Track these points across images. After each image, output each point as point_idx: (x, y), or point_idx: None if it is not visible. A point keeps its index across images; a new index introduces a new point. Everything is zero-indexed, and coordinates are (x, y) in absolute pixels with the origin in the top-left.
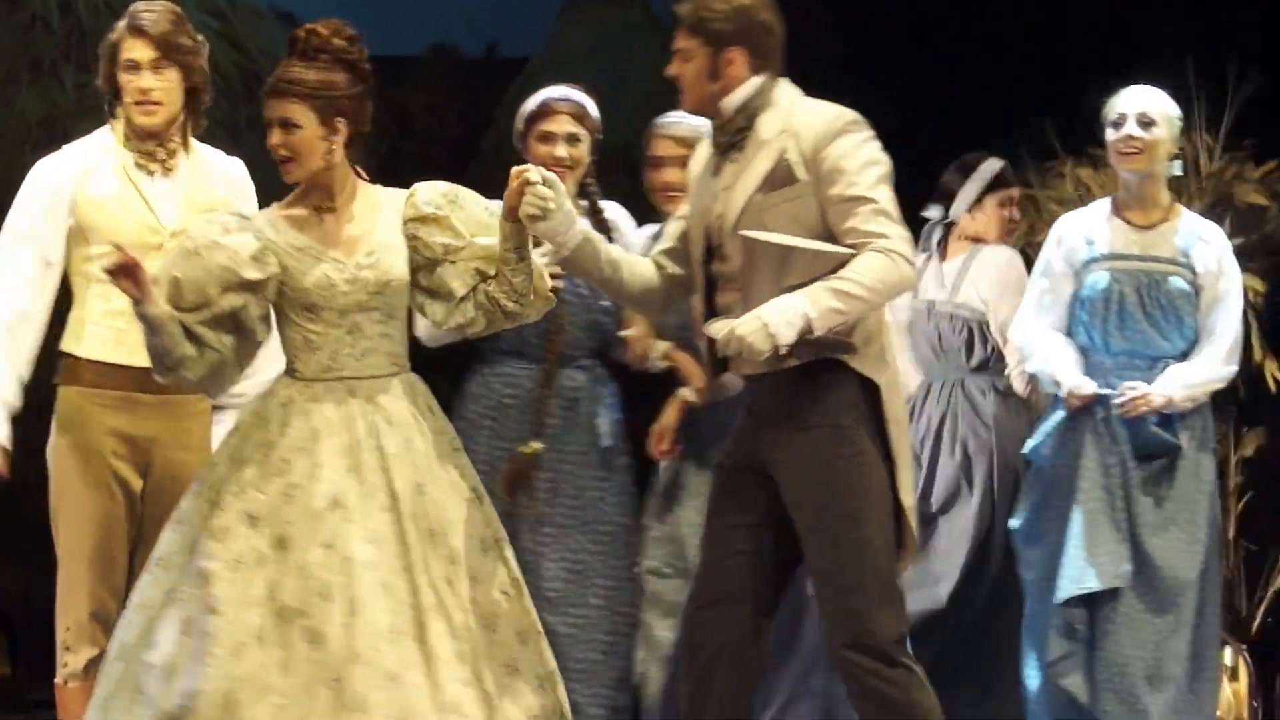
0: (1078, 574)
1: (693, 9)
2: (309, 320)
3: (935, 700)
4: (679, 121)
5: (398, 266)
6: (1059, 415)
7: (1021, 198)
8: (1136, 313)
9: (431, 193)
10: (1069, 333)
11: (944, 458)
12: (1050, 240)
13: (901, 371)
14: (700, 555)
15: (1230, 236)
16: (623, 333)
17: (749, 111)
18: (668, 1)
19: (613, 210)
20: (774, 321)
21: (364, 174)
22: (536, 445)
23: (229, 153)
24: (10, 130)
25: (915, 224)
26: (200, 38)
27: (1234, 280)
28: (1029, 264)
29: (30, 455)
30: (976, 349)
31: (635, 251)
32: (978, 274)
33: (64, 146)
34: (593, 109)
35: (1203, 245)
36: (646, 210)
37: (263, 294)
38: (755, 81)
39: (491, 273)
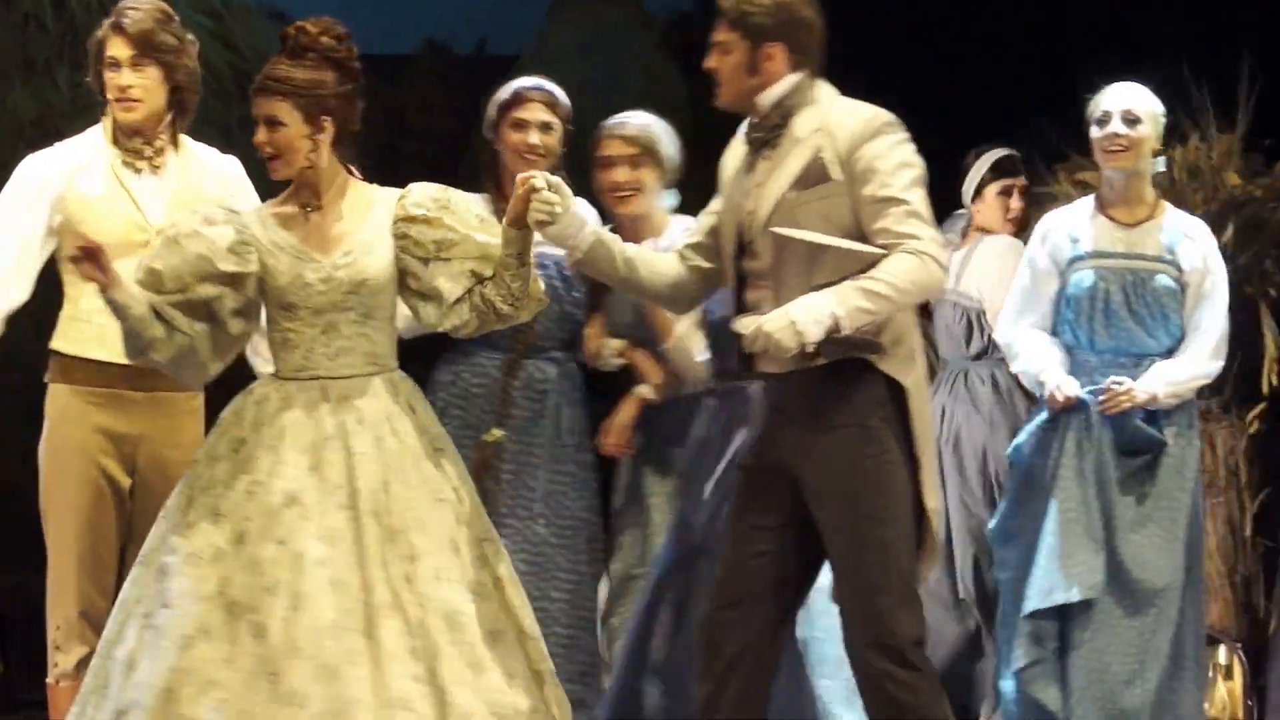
0: (1047, 586)
1: (735, 3)
2: (286, 319)
3: (947, 706)
4: (626, 121)
5: (374, 266)
6: (1042, 415)
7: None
8: (1122, 310)
9: (423, 195)
10: (1054, 331)
11: (942, 446)
12: (1035, 238)
13: None
14: (722, 554)
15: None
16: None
17: (785, 109)
18: None
19: (580, 206)
20: (801, 319)
21: (355, 172)
22: (498, 433)
23: (222, 152)
24: (3, 129)
25: None
26: (190, 36)
27: (1220, 277)
28: None
29: (22, 454)
30: (975, 338)
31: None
32: (977, 263)
33: (56, 144)
34: (564, 99)
35: (1189, 242)
36: None
37: (241, 289)
38: (793, 79)
39: (487, 274)
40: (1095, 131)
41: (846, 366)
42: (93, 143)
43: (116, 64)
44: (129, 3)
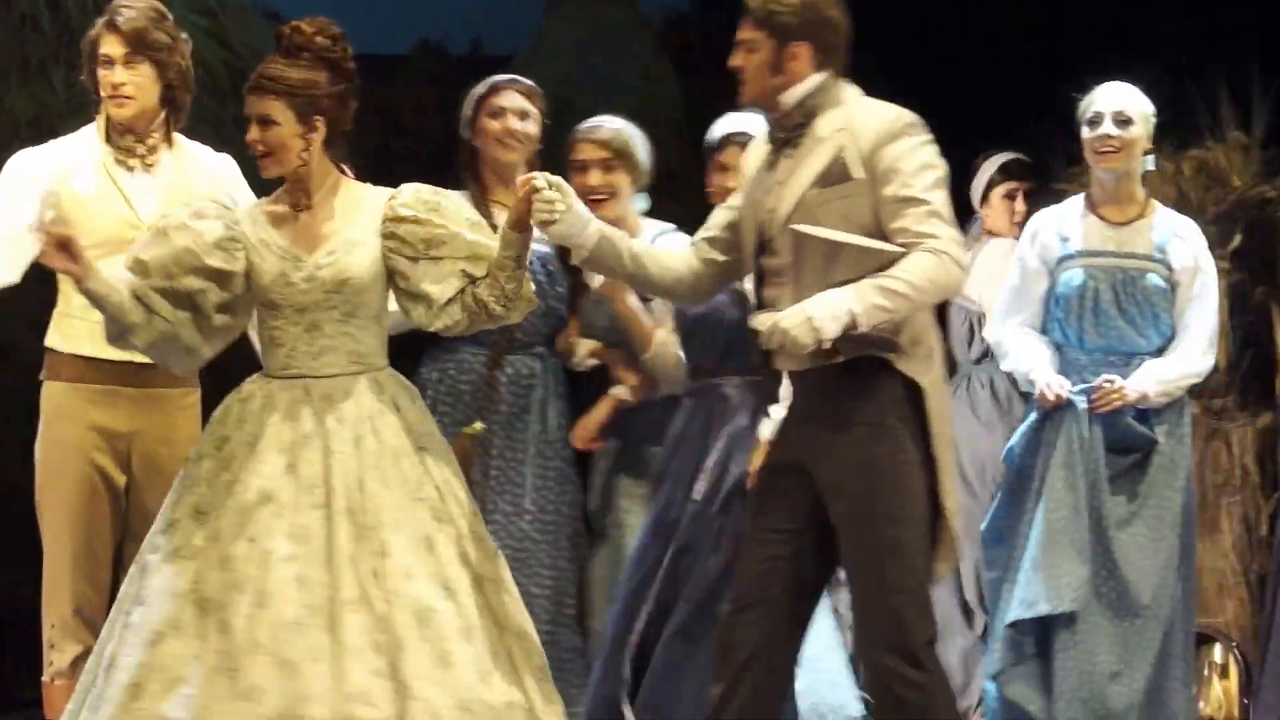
0: (1030, 598)
1: (761, 1)
2: (271, 317)
3: (955, 707)
4: (600, 125)
5: (357, 265)
6: (1033, 416)
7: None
8: (1111, 309)
9: (413, 196)
10: (1044, 329)
11: None
12: (1025, 237)
13: None
14: (740, 556)
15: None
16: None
17: (808, 108)
18: None
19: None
20: (818, 315)
21: (348, 171)
22: (479, 426)
23: (216, 150)
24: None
25: None
26: (183, 35)
27: (1210, 276)
28: None
29: (19, 453)
30: (975, 341)
31: None
32: (979, 267)
33: (49, 142)
34: (539, 91)
35: (1179, 241)
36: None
37: (228, 285)
38: (817, 78)
39: (478, 274)
40: (1086, 132)
41: (864, 365)
42: (86, 141)
43: (110, 62)
44: (123, 1)
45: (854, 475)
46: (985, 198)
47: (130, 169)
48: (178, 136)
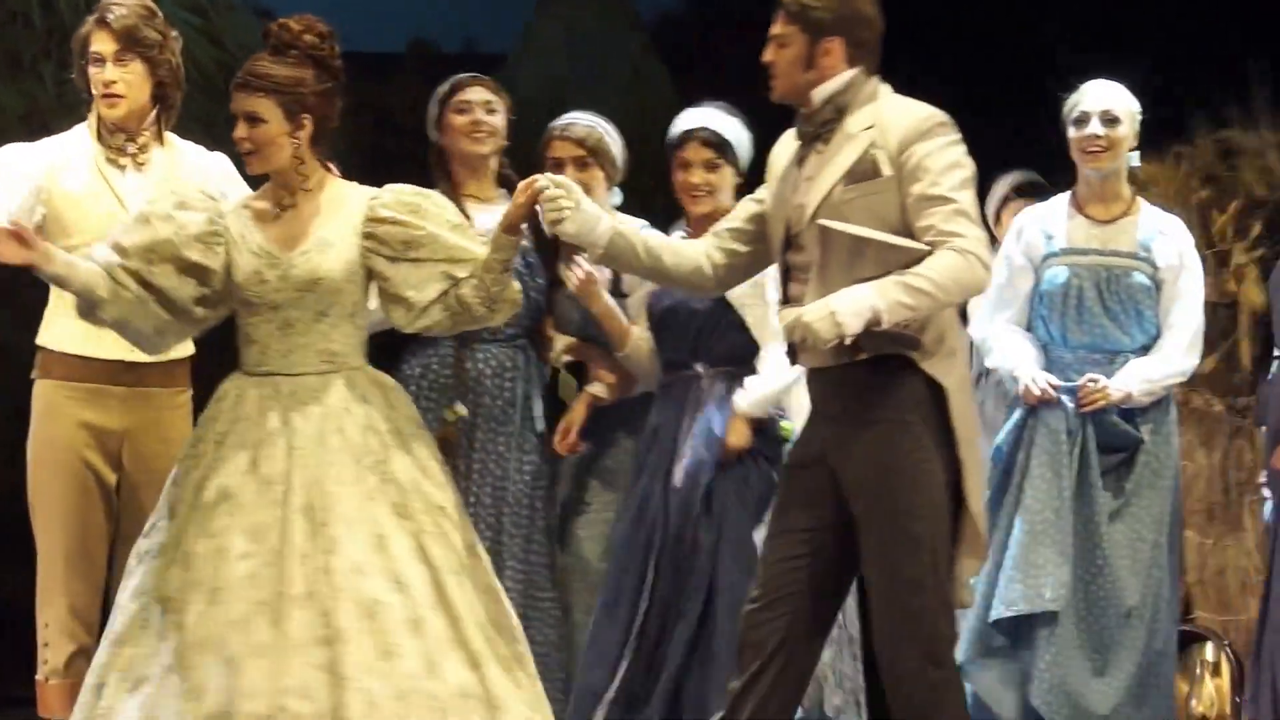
0: (1011, 596)
1: None
2: (246, 313)
3: (967, 711)
4: (574, 123)
5: (329, 264)
6: (1018, 413)
7: None
8: (1095, 307)
9: (394, 197)
10: (1029, 327)
11: None
12: (1010, 234)
13: None
14: (763, 553)
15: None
16: None
17: (838, 104)
18: None
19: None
20: (841, 310)
21: (334, 169)
22: (459, 409)
23: (208, 148)
24: None
25: None
26: (174, 33)
27: (1195, 274)
28: None
29: (11, 452)
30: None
31: None
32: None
33: (43, 139)
34: (504, 90)
35: (1164, 239)
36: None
37: (207, 280)
38: (848, 74)
39: (460, 275)
40: (1073, 132)
41: (886, 363)
42: (77, 139)
43: (100, 59)
44: None
45: (874, 473)
46: (998, 216)
47: (121, 167)
48: (169, 135)
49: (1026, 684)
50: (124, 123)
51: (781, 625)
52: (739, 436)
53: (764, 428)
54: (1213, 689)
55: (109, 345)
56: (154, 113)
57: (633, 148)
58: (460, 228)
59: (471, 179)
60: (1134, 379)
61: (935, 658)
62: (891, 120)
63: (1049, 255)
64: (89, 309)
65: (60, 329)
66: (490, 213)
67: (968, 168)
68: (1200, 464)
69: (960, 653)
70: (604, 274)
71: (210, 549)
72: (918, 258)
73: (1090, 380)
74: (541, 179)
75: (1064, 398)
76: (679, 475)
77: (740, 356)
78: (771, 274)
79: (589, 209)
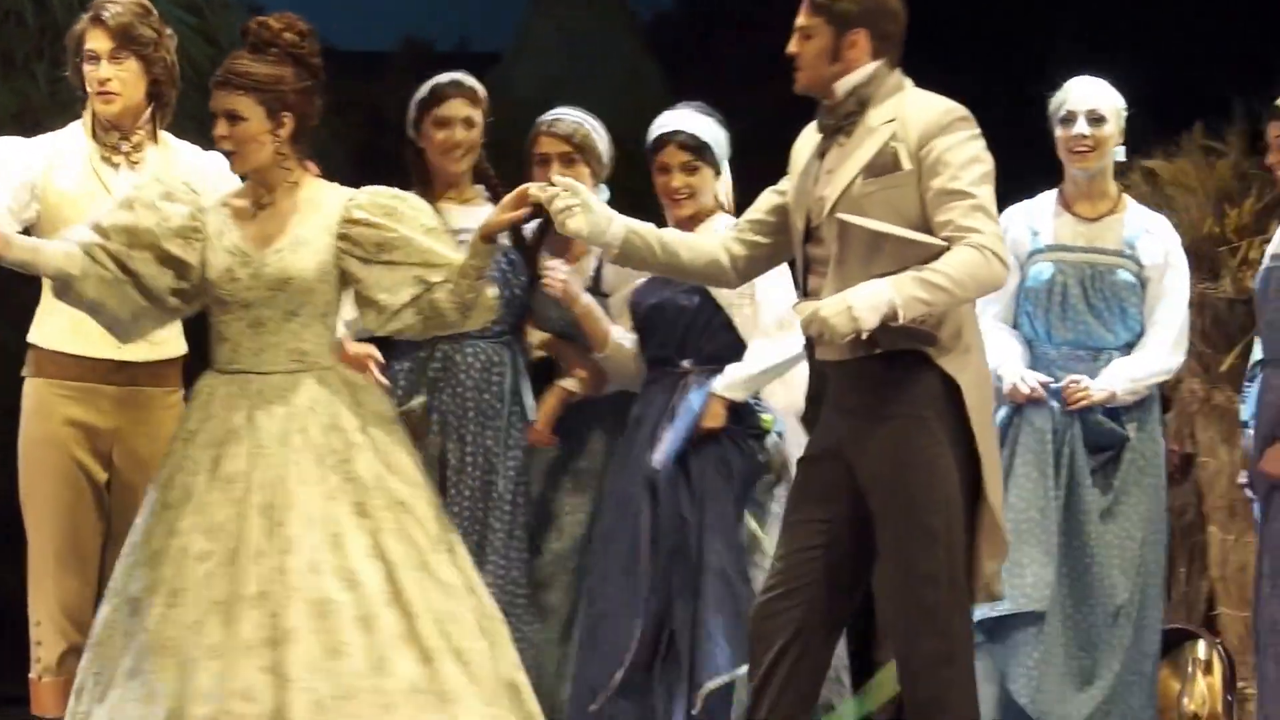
0: None
1: None
2: (219, 311)
3: (979, 709)
4: (561, 119)
5: (301, 264)
6: (1003, 411)
7: None
8: (1079, 304)
9: (370, 199)
10: (1014, 324)
11: None
12: None
13: None
14: (778, 544)
15: None
16: None
17: (860, 96)
18: None
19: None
20: (858, 304)
21: (312, 168)
22: (418, 401)
23: (202, 148)
24: None
25: None
26: (169, 31)
27: (1181, 273)
28: None
29: (6, 452)
30: None
31: None
32: None
33: (39, 136)
34: (483, 91)
35: (1149, 237)
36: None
37: (184, 274)
38: (871, 67)
39: (433, 280)
40: (1059, 131)
41: (903, 358)
42: (72, 136)
43: (95, 57)
44: None
45: (890, 468)
46: None
47: (115, 166)
48: (164, 133)
49: (1006, 681)
50: (118, 121)
51: (796, 616)
52: (714, 417)
53: (741, 411)
54: (1204, 687)
55: (100, 344)
56: (149, 111)
57: (628, 148)
58: (435, 231)
59: (448, 182)
60: (1118, 378)
61: (949, 654)
62: (912, 114)
63: (1034, 251)
64: (63, 289)
65: (52, 327)
66: (468, 212)
67: (987, 163)
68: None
69: None
70: (587, 270)
71: (174, 548)
72: (935, 253)
73: (1072, 380)
74: (533, 188)
75: (1049, 397)
76: (657, 455)
77: (727, 355)
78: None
79: (600, 209)
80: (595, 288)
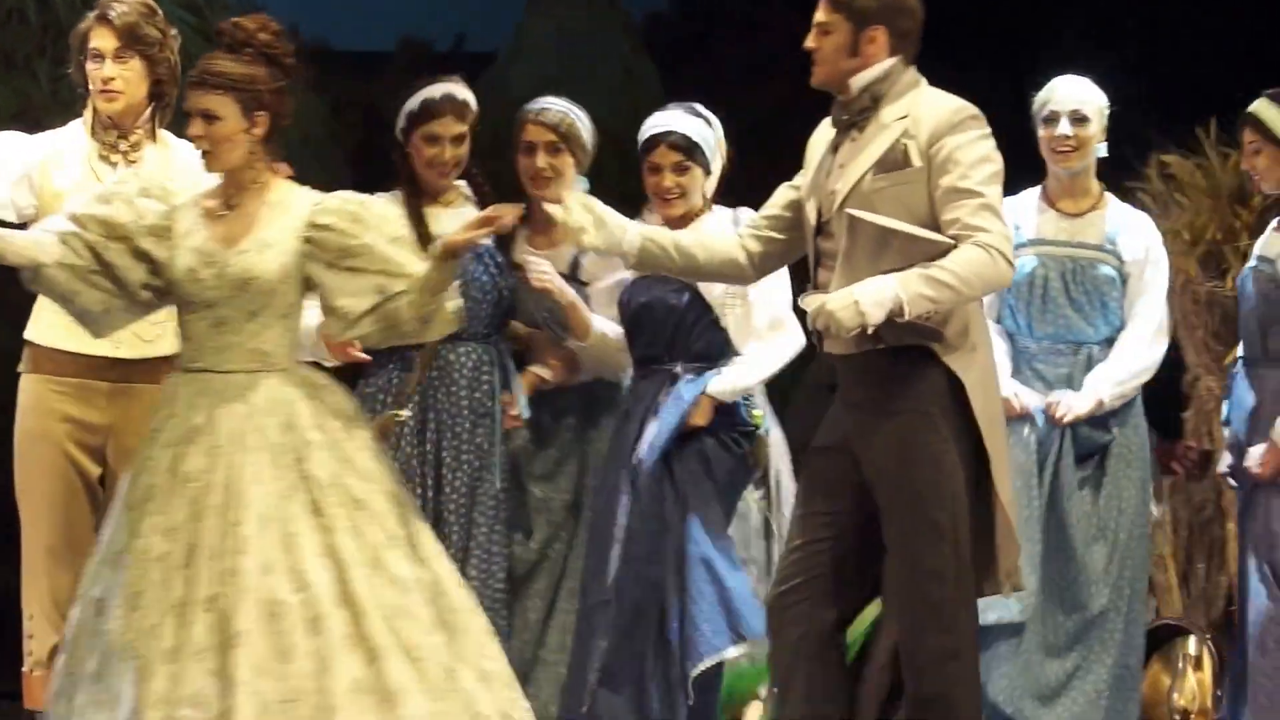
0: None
1: None
2: (184, 310)
3: (981, 708)
4: (548, 107)
5: (264, 265)
6: None
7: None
8: (1060, 298)
9: (336, 204)
10: (998, 317)
11: None
12: None
13: None
14: (787, 539)
15: None
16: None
17: (874, 92)
18: None
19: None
20: (864, 299)
21: (283, 170)
22: (403, 414)
23: None
24: None
25: None
26: (173, 31)
27: (1161, 268)
28: None
29: (2, 449)
30: None
31: None
32: None
33: (39, 134)
34: (473, 102)
35: (1131, 234)
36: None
37: (158, 271)
38: (888, 63)
39: (395, 289)
40: (1042, 130)
41: (909, 354)
42: (72, 134)
43: (100, 56)
44: None
45: (895, 463)
46: None
47: (113, 164)
48: (163, 132)
49: (987, 689)
50: (119, 119)
51: (806, 610)
52: (702, 416)
53: (729, 409)
54: (1194, 683)
55: (95, 341)
56: (149, 110)
57: (624, 147)
58: (400, 240)
59: (434, 190)
60: (1103, 384)
61: (954, 649)
62: (924, 112)
63: (1017, 245)
64: (34, 278)
65: (47, 324)
66: (451, 215)
67: (997, 163)
68: None
69: None
70: (565, 259)
71: (136, 549)
72: (942, 251)
73: (1052, 404)
74: (551, 209)
75: (1036, 411)
76: (642, 448)
77: (715, 353)
78: None
79: (613, 221)
80: (573, 275)
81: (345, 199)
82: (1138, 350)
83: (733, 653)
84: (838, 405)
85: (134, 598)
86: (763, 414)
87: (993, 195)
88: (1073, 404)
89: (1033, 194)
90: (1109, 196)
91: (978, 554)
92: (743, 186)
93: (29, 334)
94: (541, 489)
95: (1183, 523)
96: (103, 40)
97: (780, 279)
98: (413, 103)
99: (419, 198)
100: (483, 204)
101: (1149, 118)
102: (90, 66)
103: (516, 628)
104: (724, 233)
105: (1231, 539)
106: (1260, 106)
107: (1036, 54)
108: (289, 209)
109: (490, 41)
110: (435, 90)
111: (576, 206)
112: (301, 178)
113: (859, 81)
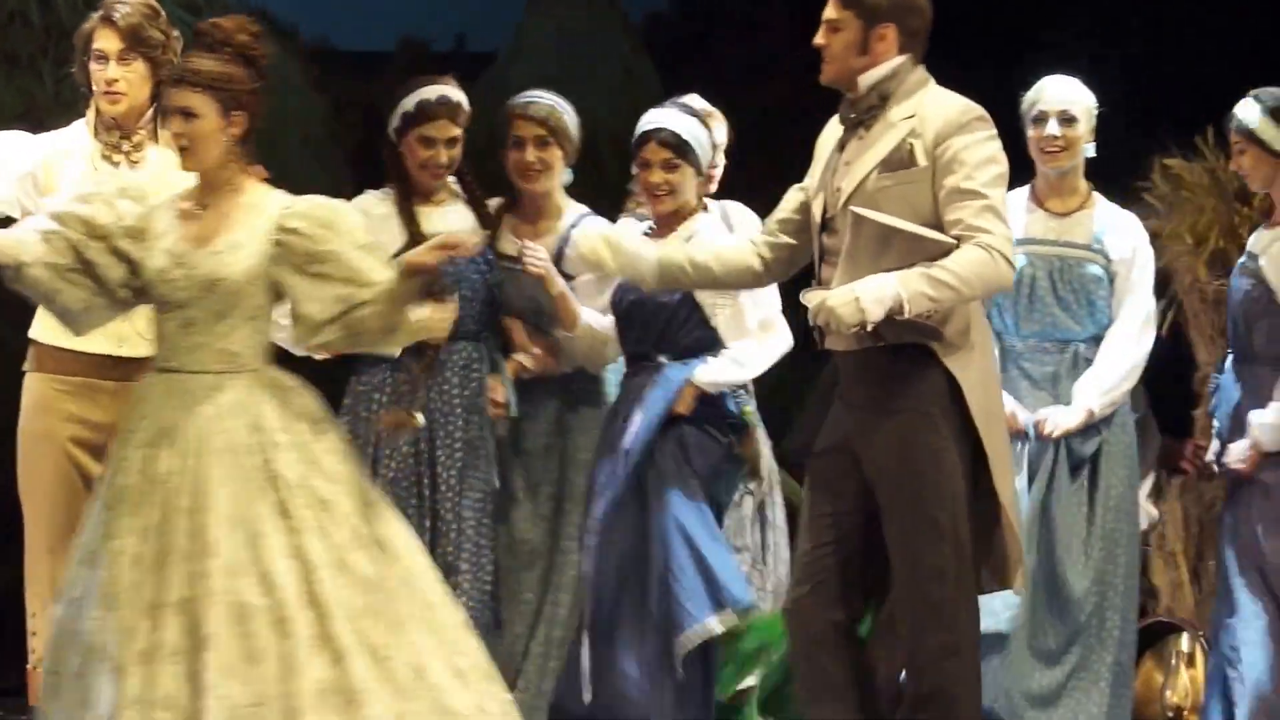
0: None
1: None
2: (158, 309)
3: (981, 707)
4: (536, 101)
5: (232, 267)
6: None
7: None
8: (1047, 296)
9: (306, 208)
10: (985, 315)
11: None
12: None
13: None
14: (798, 542)
15: None
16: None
17: (882, 91)
18: None
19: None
20: (865, 296)
21: (257, 172)
22: (418, 419)
23: None
24: None
25: None
26: (175, 33)
27: (1147, 268)
28: None
29: (6, 447)
30: None
31: None
32: None
33: (42, 134)
34: (465, 104)
35: (1118, 233)
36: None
37: (135, 270)
38: (896, 62)
39: (361, 298)
40: (1031, 131)
41: (909, 353)
42: (75, 134)
43: (104, 57)
44: None
45: (896, 462)
46: None
47: (116, 164)
48: (164, 132)
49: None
50: (121, 120)
51: (821, 612)
52: (684, 404)
53: (714, 400)
54: (1187, 680)
55: (99, 340)
56: (151, 111)
57: (624, 147)
58: (369, 248)
59: (425, 189)
60: (1092, 393)
61: (955, 647)
62: (931, 111)
63: None
64: (15, 276)
65: (51, 323)
66: (440, 213)
67: (1002, 164)
68: None
69: None
70: (550, 250)
71: (111, 551)
72: (945, 251)
73: (1042, 423)
74: (581, 247)
75: (1027, 425)
76: (628, 437)
77: (703, 350)
78: None
79: (628, 248)
80: (558, 267)
81: (316, 203)
82: (1125, 348)
83: (715, 623)
84: (839, 405)
85: (109, 599)
86: (753, 409)
87: (996, 197)
88: (1060, 420)
89: (1021, 193)
90: (1097, 196)
91: (978, 552)
92: (743, 186)
93: (33, 332)
94: (524, 479)
95: (1193, 520)
96: (107, 41)
97: None
98: (408, 104)
99: (410, 197)
100: (472, 202)
101: (1153, 117)
102: (94, 67)
103: (507, 619)
104: (731, 239)
105: None
106: (1242, 108)
107: (1039, 53)
108: (262, 211)
109: (490, 41)
110: (431, 92)
111: (597, 239)
112: (301, 178)
113: (868, 79)
